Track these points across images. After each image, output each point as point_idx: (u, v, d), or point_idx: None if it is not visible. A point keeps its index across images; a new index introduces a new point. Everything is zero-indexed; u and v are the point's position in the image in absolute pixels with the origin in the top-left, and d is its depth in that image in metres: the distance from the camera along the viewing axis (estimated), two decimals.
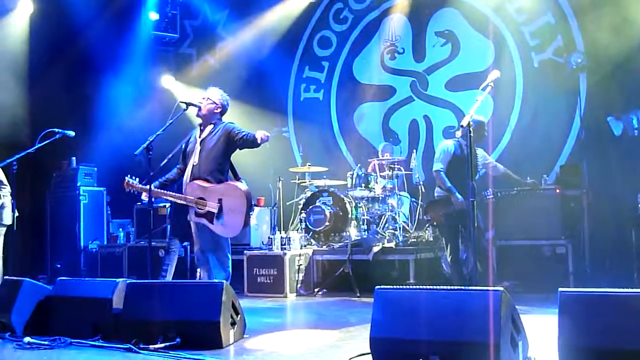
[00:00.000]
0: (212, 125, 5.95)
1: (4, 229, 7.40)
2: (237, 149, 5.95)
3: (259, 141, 5.73)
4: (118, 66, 10.40)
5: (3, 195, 7.49)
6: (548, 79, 8.84)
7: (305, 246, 8.39)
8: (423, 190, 8.71)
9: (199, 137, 5.96)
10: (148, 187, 5.71)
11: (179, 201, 5.98)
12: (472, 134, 4.92)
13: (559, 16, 8.88)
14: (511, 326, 3.60)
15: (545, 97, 8.76)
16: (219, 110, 6.00)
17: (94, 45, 10.30)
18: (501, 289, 3.58)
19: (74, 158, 10.06)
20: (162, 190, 5.98)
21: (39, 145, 6.40)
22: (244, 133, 5.81)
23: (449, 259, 6.86)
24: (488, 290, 3.63)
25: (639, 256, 7.11)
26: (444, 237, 7.01)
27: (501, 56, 9.20)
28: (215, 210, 5.75)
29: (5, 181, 7.59)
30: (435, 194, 6.98)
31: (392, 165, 8.71)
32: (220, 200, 5.76)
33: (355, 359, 4.00)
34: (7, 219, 7.58)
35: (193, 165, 5.91)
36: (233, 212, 5.75)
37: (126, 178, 5.93)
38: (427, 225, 7.27)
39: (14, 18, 10.06)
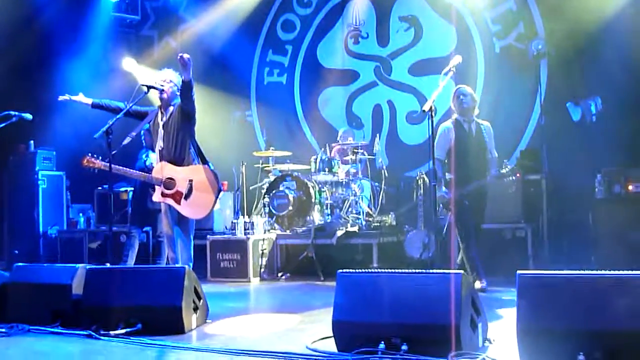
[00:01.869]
0: (171, 107, 5.91)
1: None
2: (192, 115, 5.87)
3: (186, 70, 5.60)
4: (78, 48, 10.19)
5: None
6: (509, 64, 8.93)
7: (268, 231, 8.38)
8: (386, 174, 8.76)
9: (161, 120, 5.90)
10: (109, 164, 5.58)
11: (143, 179, 5.94)
12: (433, 119, 4.94)
13: (520, 3, 8.96)
14: (471, 308, 3.66)
15: (507, 82, 8.86)
16: (179, 92, 5.94)
17: (53, 26, 10.06)
18: (461, 271, 3.63)
19: (32, 142, 9.84)
20: (125, 169, 5.90)
21: None
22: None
23: (461, 245, 6.42)
24: (448, 273, 3.68)
25: (597, 239, 7.27)
26: (457, 221, 6.49)
27: (463, 42, 9.26)
28: (185, 191, 5.73)
29: None
30: (447, 177, 6.56)
31: (356, 150, 8.73)
32: (190, 181, 5.74)
33: (317, 342, 4.01)
34: None
35: (159, 150, 5.88)
36: (203, 193, 5.75)
37: (87, 155, 5.79)
38: (439, 208, 6.60)
39: None
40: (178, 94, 5.91)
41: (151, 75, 9.06)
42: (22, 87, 9.45)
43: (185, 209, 5.75)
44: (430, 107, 4.91)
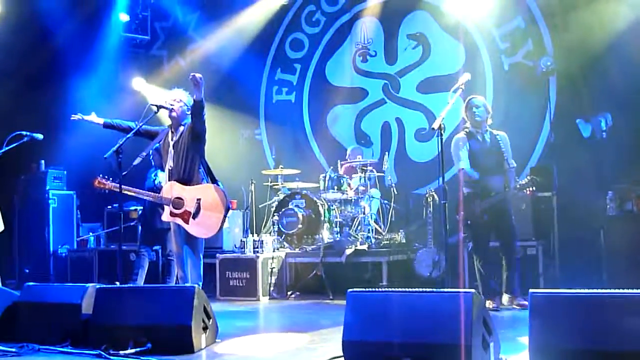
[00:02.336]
0: (182, 127, 5.92)
1: None
2: (202, 135, 5.87)
3: (198, 89, 5.64)
4: (88, 68, 10.27)
5: None
6: (518, 82, 8.93)
7: (278, 249, 8.36)
8: (395, 192, 8.75)
9: (171, 140, 5.91)
10: (119, 185, 5.61)
11: (153, 199, 5.96)
12: (442, 136, 4.93)
13: (529, 20, 8.97)
14: (482, 327, 3.62)
15: (516, 100, 8.84)
16: (189, 111, 5.95)
17: (64, 46, 10.17)
18: (472, 290, 3.60)
19: (42, 161, 9.90)
20: (135, 189, 5.92)
21: (6, 148, 6.28)
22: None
23: (476, 262, 6.37)
24: (459, 292, 3.65)
25: (608, 257, 7.19)
26: (474, 236, 6.47)
27: (472, 59, 9.27)
28: (193, 210, 5.73)
29: None
30: (465, 192, 6.34)
31: (364, 168, 8.73)
32: (198, 200, 5.74)
33: None
34: None
35: (169, 169, 5.89)
36: (211, 213, 5.74)
37: (98, 177, 5.84)
38: (464, 223, 6.36)
39: None
40: (188, 113, 5.92)
41: (161, 95, 9.13)
42: (33, 106, 9.52)
43: (193, 228, 5.75)
44: (440, 125, 4.90)
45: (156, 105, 5.86)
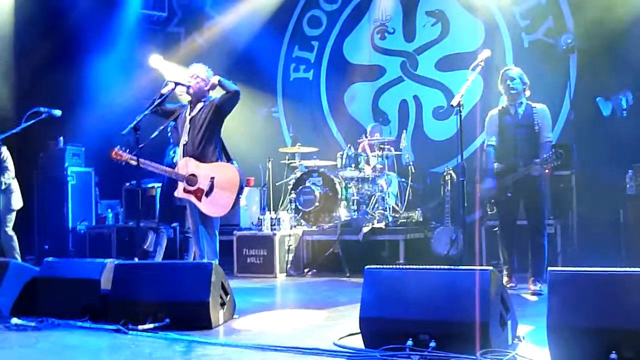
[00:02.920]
0: (201, 103, 5.88)
1: (14, 213, 7.47)
2: (224, 117, 5.87)
3: (226, 86, 5.73)
4: (105, 45, 10.27)
5: (8, 180, 7.54)
6: (538, 59, 8.81)
7: (295, 226, 8.37)
8: (413, 170, 8.72)
9: (189, 114, 5.89)
10: (136, 158, 5.59)
11: (168, 174, 5.95)
12: (461, 113, 4.87)
13: None
14: (500, 305, 3.61)
15: (536, 77, 8.65)
16: (207, 87, 5.92)
17: (81, 23, 10.15)
18: (490, 268, 3.58)
19: (61, 138, 9.95)
20: (152, 163, 5.89)
21: (25, 125, 6.32)
22: (225, 91, 5.79)
23: (501, 243, 6.24)
24: (476, 269, 3.64)
25: (627, 235, 7.15)
26: (499, 214, 6.26)
27: (491, 36, 9.17)
28: (206, 188, 5.71)
29: (10, 164, 7.58)
30: (496, 167, 6.13)
31: (382, 146, 8.70)
32: (212, 179, 5.71)
33: (344, 338, 3.99)
34: (17, 203, 7.64)
35: (184, 144, 5.86)
36: (223, 192, 5.71)
37: (115, 148, 5.78)
38: (486, 201, 6.19)
39: None
40: (206, 89, 5.89)
41: (179, 72, 9.13)
42: (52, 84, 9.54)
43: (205, 206, 5.72)
44: (459, 102, 4.85)
45: (174, 82, 5.84)
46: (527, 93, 6.09)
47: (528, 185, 5.95)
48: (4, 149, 7.56)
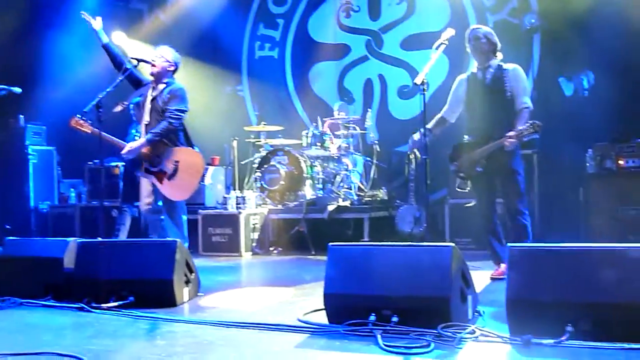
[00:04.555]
0: (164, 85, 5.84)
1: None
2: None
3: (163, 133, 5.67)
4: (67, 21, 10.03)
5: None
6: (502, 39, 8.73)
7: (260, 205, 8.39)
8: (378, 149, 8.77)
9: (151, 94, 5.84)
10: (98, 131, 5.47)
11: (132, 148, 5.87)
12: (425, 92, 4.89)
13: None
14: (461, 281, 3.68)
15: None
16: (172, 68, 5.88)
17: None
18: (451, 244, 3.64)
19: (21, 116, 9.76)
20: (114, 138, 5.79)
21: None
22: (170, 116, 5.68)
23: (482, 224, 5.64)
24: (438, 245, 3.70)
25: (587, 214, 7.31)
26: (475, 191, 5.68)
27: (457, 16, 9.20)
28: (170, 171, 5.69)
29: None
30: (465, 139, 5.62)
31: (347, 125, 8.73)
32: (177, 162, 5.70)
33: (309, 314, 4.03)
34: None
35: (145, 124, 5.82)
36: (188, 176, 5.71)
37: (76, 116, 5.65)
38: (456, 177, 5.65)
39: None
40: (170, 70, 5.85)
41: (142, 49, 9.00)
42: (11, 61, 9.33)
43: (166, 189, 5.71)
44: (422, 81, 4.87)
45: (136, 59, 5.77)
46: (499, 55, 5.51)
47: (500, 162, 5.30)
48: None
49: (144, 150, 5.71)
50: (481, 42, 5.43)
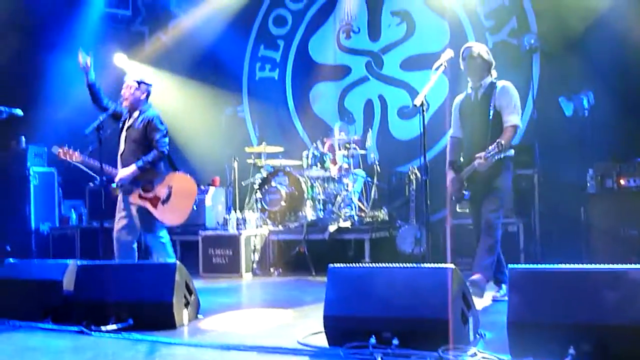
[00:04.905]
0: (137, 112, 5.81)
1: None
2: None
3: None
4: (69, 43, 10.09)
5: None
6: (502, 60, 8.80)
7: (261, 226, 8.36)
8: (378, 169, 8.77)
9: (127, 123, 5.82)
10: (87, 160, 5.54)
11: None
12: (424, 113, 4.89)
13: None
14: (462, 302, 3.65)
15: (499, 77, 8.80)
16: (144, 96, 5.86)
17: (44, 21, 10.00)
18: (452, 266, 3.62)
19: (23, 138, 9.79)
20: (106, 166, 5.73)
21: None
22: (157, 147, 5.68)
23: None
24: (439, 267, 3.68)
25: (588, 234, 7.28)
26: (470, 212, 5.59)
27: (456, 37, 9.23)
28: (163, 196, 5.69)
29: None
30: (460, 160, 5.57)
31: (348, 145, 8.73)
32: (170, 187, 5.71)
33: (309, 337, 4.01)
34: None
35: (120, 154, 5.78)
36: (182, 200, 5.73)
37: (64, 147, 5.65)
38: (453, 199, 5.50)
39: None
40: (143, 97, 5.83)
41: (142, 71, 9.03)
42: (14, 82, 9.38)
43: (161, 213, 5.70)
44: (422, 102, 4.87)
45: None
46: (494, 73, 5.47)
47: (483, 181, 5.25)
48: None
49: (137, 177, 5.69)
50: (475, 60, 5.40)
